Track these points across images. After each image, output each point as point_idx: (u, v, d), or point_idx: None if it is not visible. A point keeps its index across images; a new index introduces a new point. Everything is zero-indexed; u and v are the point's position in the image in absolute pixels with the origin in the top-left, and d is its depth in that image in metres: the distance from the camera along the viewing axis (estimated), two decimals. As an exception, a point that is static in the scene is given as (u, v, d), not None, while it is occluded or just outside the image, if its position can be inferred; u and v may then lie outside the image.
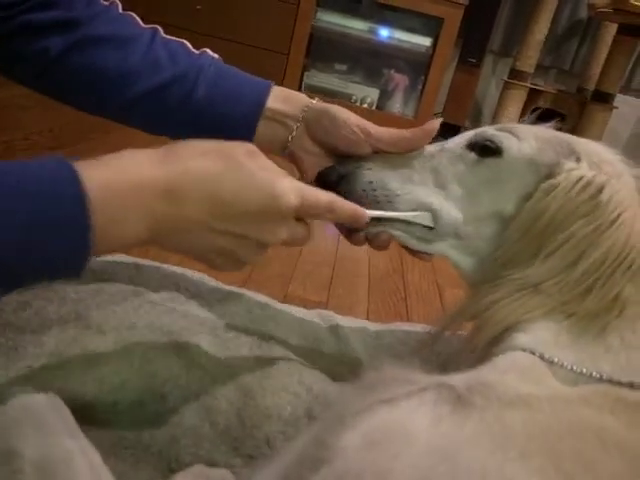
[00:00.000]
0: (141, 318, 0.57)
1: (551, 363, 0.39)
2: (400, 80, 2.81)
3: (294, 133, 0.58)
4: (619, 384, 0.38)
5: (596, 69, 3.16)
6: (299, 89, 2.67)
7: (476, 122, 3.62)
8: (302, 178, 0.59)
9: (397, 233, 0.51)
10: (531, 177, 0.47)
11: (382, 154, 0.53)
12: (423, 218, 0.49)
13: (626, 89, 3.46)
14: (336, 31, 2.64)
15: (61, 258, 0.35)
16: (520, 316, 0.43)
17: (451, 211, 0.49)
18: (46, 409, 0.41)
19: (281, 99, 0.60)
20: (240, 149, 0.42)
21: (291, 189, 0.42)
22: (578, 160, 0.47)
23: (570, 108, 3.06)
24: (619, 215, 0.43)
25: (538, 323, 0.42)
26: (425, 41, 2.64)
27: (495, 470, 0.29)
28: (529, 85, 2.98)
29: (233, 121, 0.58)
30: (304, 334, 0.63)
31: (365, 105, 2.72)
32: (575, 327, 0.42)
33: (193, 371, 0.50)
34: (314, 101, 0.59)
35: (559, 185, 0.45)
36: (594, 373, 0.39)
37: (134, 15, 0.61)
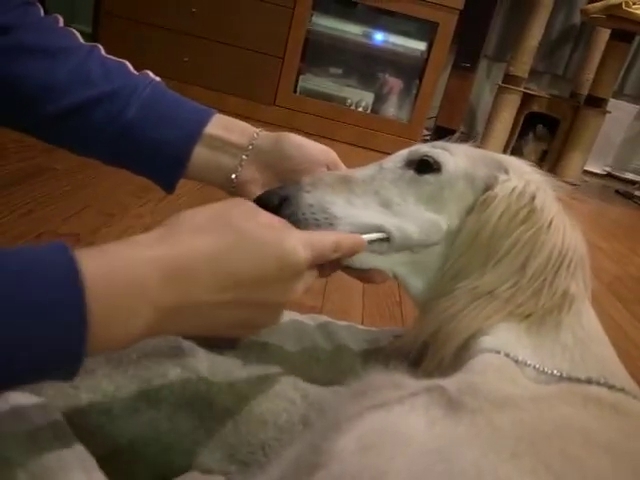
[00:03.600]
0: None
1: (516, 362, 0.42)
2: (395, 84, 2.82)
3: (243, 163, 0.56)
4: (578, 381, 0.41)
5: (589, 74, 3.18)
6: (294, 93, 2.67)
7: (470, 126, 3.63)
8: None
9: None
10: (469, 190, 0.50)
11: (321, 175, 0.53)
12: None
13: (619, 94, 3.48)
14: (331, 35, 2.65)
15: (49, 360, 0.30)
16: (481, 323, 0.45)
17: (401, 226, 0.50)
18: (39, 416, 0.40)
19: (224, 127, 0.57)
20: (236, 211, 0.39)
21: (300, 243, 0.40)
22: (506, 172, 0.50)
23: (564, 113, 3.08)
24: (552, 219, 0.47)
25: (499, 326, 0.45)
26: (420, 45, 2.65)
27: (489, 471, 0.30)
28: (523, 90, 3.00)
29: (164, 145, 0.56)
30: (300, 340, 0.62)
31: (360, 109, 2.73)
32: (533, 327, 0.45)
33: (188, 377, 0.50)
34: (259, 130, 0.58)
35: (497, 196, 0.48)
36: (555, 371, 0.42)
37: (74, 31, 0.59)
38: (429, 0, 2.50)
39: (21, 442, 0.37)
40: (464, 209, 0.50)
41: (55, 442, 0.38)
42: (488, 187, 0.50)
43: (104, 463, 0.40)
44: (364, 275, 0.55)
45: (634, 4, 2.53)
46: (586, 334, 0.45)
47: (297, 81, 2.68)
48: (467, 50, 2.99)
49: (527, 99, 3.04)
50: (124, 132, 0.56)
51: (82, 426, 0.45)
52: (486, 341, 0.44)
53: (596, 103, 2.99)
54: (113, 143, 0.56)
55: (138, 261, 0.34)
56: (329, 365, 0.57)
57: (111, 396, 0.47)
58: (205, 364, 0.51)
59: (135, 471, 0.46)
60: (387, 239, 0.50)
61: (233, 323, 0.40)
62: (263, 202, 0.50)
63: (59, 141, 0.59)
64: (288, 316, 0.69)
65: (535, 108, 3.07)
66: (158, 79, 0.60)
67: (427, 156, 0.51)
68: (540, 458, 0.31)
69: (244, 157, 0.57)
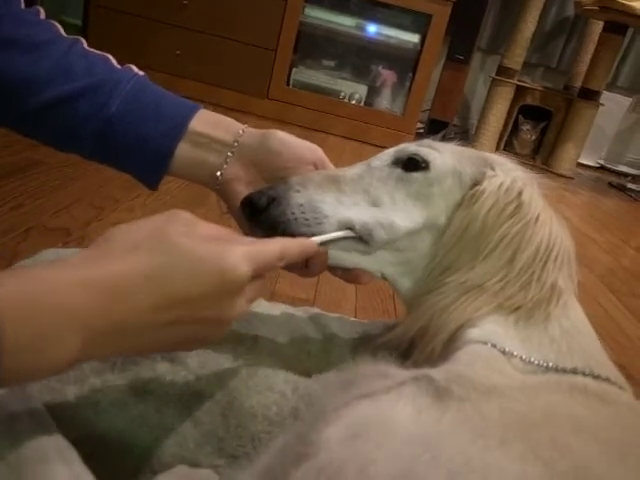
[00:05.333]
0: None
1: (503, 353, 0.42)
2: (388, 76, 2.81)
3: (228, 160, 0.55)
4: (564, 371, 0.42)
5: (583, 67, 3.18)
6: (287, 86, 2.66)
7: (464, 119, 3.63)
8: (229, 207, 0.57)
9: (336, 253, 0.51)
10: (457, 187, 0.51)
11: (309, 175, 0.53)
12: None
13: (612, 86, 3.48)
14: (324, 27, 2.64)
15: None
16: (470, 315, 0.45)
17: (389, 222, 0.50)
18: (19, 407, 0.40)
19: (209, 123, 0.56)
20: (173, 227, 0.37)
21: (241, 257, 0.38)
22: (492, 169, 0.51)
23: (557, 105, 3.08)
24: (539, 214, 0.48)
25: (487, 318, 0.45)
26: (413, 38, 2.64)
27: (477, 458, 0.30)
28: (516, 82, 3.00)
29: (148, 139, 0.55)
30: (291, 332, 0.62)
31: (353, 101, 2.72)
32: (521, 319, 0.45)
33: (176, 370, 0.49)
34: (245, 126, 0.57)
35: (485, 191, 0.49)
36: (541, 362, 0.42)
37: (57, 24, 0.57)
38: (422, -8, 2.50)
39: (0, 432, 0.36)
40: (452, 205, 0.51)
41: (35, 433, 0.37)
42: (475, 183, 0.51)
43: (92, 457, 0.39)
44: (349, 275, 0.54)
45: (627, -4, 2.53)
46: (572, 326, 0.46)
47: (290, 74, 2.67)
48: (461, 42, 2.98)
49: (521, 91, 3.04)
50: (107, 126, 0.55)
51: (69, 420, 0.44)
52: (474, 333, 0.44)
53: (589, 95, 3.00)
54: (95, 137, 0.55)
55: (65, 284, 0.32)
56: (320, 357, 0.57)
57: (98, 390, 0.47)
58: (195, 358, 0.51)
59: (123, 465, 0.45)
60: (358, 238, 0.50)
61: (176, 341, 0.38)
62: (249, 203, 0.50)
63: (41, 136, 0.58)
64: (280, 309, 0.69)
65: (529, 100, 3.07)
66: (142, 73, 0.59)
67: (415, 155, 0.52)
68: (529, 445, 0.31)
69: (229, 154, 0.56)
